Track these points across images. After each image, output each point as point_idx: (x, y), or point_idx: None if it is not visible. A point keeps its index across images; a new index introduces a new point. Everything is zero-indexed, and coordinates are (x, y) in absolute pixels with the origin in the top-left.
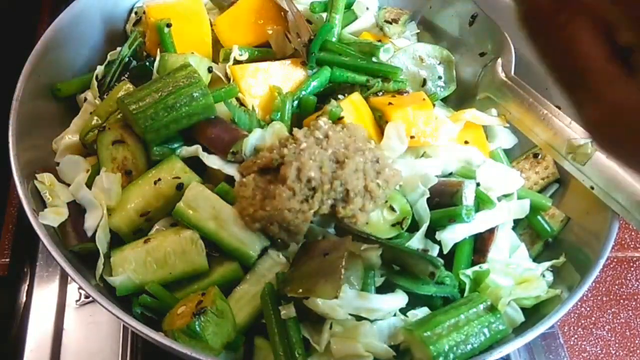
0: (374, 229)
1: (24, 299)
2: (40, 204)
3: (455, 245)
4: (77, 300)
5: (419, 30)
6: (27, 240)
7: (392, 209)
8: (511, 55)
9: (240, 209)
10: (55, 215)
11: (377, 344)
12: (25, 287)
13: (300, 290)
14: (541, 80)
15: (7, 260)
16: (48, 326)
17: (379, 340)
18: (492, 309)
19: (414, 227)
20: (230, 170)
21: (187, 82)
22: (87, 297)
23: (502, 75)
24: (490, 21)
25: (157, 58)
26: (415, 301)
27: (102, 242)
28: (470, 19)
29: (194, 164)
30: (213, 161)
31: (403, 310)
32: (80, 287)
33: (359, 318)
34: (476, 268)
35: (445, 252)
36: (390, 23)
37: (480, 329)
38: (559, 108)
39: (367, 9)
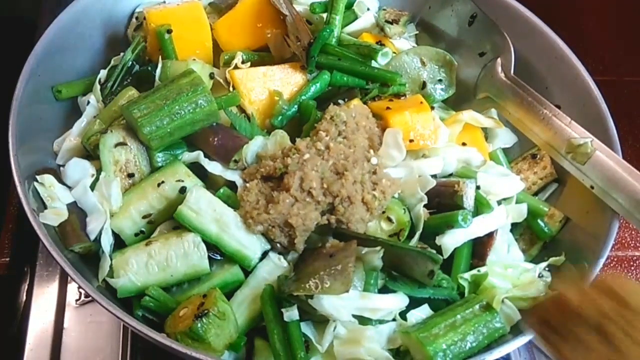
0: None
1: (24, 298)
2: (41, 204)
3: (455, 250)
4: (77, 300)
5: (417, 32)
6: (27, 240)
7: (389, 219)
8: (511, 55)
9: (244, 212)
10: (55, 215)
11: (380, 350)
12: (25, 287)
13: (308, 286)
14: (541, 80)
15: (7, 260)
16: (48, 326)
17: (380, 346)
18: (489, 307)
19: (412, 233)
20: (231, 176)
21: (191, 89)
22: (87, 296)
23: (502, 75)
24: (490, 21)
25: (159, 65)
26: (416, 301)
27: (106, 244)
28: (469, 19)
29: (195, 170)
30: (214, 167)
31: (404, 312)
32: (79, 287)
33: (362, 320)
34: (474, 272)
35: (445, 256)
36: (391, 23)
37: (477, 327)
38: (559, 108)
39: (368, 9)
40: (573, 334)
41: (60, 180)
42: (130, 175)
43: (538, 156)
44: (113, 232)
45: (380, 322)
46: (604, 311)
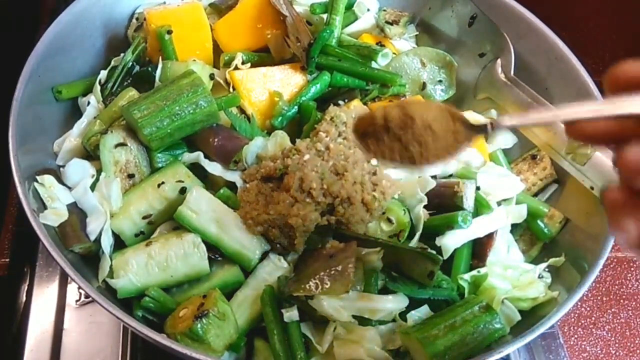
0: None
1: (24, 299)
2: (41, 204)
3: (455, 250)
4: (77, 300)
5: (417, 32)
6: (27, 241)
7: (389, 220)
8: (511, 55)
9: (244, 213)
10: (55, 216)
11: (379, 351)
12: (25, 287)
13: (308, 286)
14: (541, 81)
15: (7, 260)
16: (48, 326)
17: (380, 346)
18: (488, 308)
19: (411, 233)
20: (231, 176)
21: (192, 90)
22: (87, 297)
23: (502, 75)
24: (490, 22)
25: (159, 65)
26: (416, 302)
27: (106, 245)
28: (469, 20)
29: (195, 170)
30: (214, 168)
31: (404, 312)
32: (79, 288)
33: (362, 321)
34: (474, 272)
35: (445, 257)
36: (391, 24)
37: (477, 328)
38: None
39: (368, 10)
40: (374, 133)
41: (60, 180)
42: (131, 176)
43: (538, 157)
44: (113, 232)
45: (380, 322)
46: (389, 116)
